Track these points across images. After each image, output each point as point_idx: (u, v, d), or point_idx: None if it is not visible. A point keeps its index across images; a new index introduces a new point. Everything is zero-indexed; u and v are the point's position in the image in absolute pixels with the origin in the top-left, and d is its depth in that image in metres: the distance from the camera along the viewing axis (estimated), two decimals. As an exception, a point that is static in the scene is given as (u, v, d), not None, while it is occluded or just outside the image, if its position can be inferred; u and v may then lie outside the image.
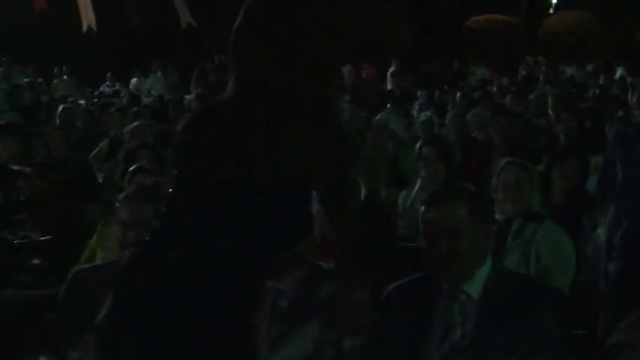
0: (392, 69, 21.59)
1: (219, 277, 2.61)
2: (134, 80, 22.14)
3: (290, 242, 2.78)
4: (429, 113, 10.20)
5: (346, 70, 20.64)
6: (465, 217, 3.45)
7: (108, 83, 22.76)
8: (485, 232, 3.55)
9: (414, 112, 12.66)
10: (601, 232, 4.80)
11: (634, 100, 5.49)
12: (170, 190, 2.81)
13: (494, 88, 17.58)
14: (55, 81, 22.05)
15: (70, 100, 16.33)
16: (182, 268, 2.62)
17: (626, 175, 4.65)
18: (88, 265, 4.78)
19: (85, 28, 20.59)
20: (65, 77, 22.29)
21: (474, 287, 3.44)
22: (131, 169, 6.27)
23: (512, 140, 8.89)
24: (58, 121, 11.30)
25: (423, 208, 3.55)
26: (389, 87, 20.24)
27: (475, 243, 3.46)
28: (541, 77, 19.39)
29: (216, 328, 2.61)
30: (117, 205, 4.20)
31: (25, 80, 19.18)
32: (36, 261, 5.46)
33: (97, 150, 10.17)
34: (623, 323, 3.15)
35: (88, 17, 20.05)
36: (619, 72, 19.49)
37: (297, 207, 2.69)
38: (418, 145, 6.77)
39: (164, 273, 2.64)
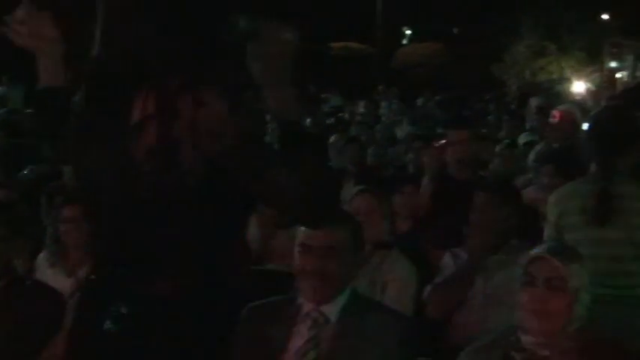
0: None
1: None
2: None
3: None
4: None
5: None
6: (344, 240, 3.55)
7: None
8: (357, 259, 3.68)
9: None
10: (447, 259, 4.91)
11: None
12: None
13: (346, 116, 17.78)
14: None
15: None
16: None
17: None
18: None
19: None
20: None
21: (333, 311, 3.52)
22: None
23: (364, 168, 9.04)
24: None
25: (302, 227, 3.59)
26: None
27: (347, 267, 3.57)
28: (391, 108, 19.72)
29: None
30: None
31: None
32: None
33: None
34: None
35: None
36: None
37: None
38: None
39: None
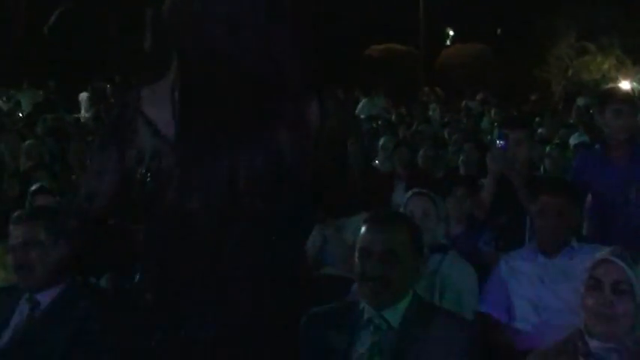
0: None
1: None
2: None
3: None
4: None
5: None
6: (405, 244, 3.52)
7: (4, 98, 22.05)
8: (419, 263, 3.62)
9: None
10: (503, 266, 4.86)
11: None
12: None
13: (393, 117, 17.73)
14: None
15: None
16: None
17: None
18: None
19: None
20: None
21: (395, 316, 3.48)
22: (31, 189, 6.19)
23: (415, 171, 8.99)
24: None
25: (363, 228, 3.58)
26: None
27: (408, 271, 3.53)
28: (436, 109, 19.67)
29: None
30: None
31: None
32: None
33: None
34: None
35: None
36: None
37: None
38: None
39: None
